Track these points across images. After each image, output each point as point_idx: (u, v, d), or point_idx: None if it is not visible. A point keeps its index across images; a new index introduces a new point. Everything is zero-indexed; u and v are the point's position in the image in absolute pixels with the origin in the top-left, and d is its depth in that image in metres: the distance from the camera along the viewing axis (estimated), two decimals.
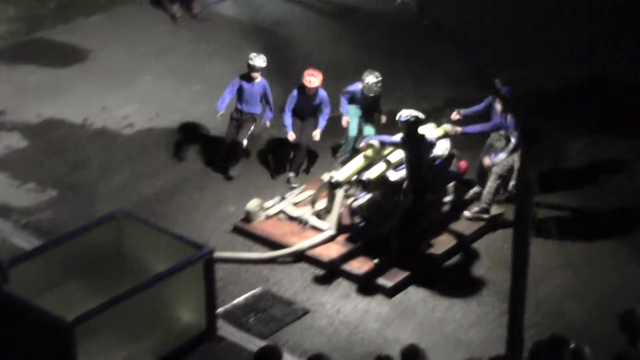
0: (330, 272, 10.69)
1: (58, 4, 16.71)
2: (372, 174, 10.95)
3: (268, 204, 11.53)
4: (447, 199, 11.51)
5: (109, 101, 14.17)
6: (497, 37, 15.91)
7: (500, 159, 11.21)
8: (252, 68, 12.20)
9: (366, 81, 11.94)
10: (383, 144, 11.01)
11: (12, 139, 13.33)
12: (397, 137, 10.82)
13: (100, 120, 13.83)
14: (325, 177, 11.16)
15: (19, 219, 11.63)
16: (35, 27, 16.11)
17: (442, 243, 11.12)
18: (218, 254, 10.31)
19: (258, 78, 12.29)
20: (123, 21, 16.47)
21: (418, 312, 10.25)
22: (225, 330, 9.83)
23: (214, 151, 12.88)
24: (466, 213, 11.45)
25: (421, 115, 10.65)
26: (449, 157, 11.14)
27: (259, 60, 12.21)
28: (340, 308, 10.28)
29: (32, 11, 16.47)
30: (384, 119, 12.34)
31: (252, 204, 11.45)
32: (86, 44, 15.89)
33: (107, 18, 16.55)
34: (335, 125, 12.46)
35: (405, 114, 10.56)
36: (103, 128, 13.68)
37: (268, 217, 11.41)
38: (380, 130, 12.15)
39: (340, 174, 11.06)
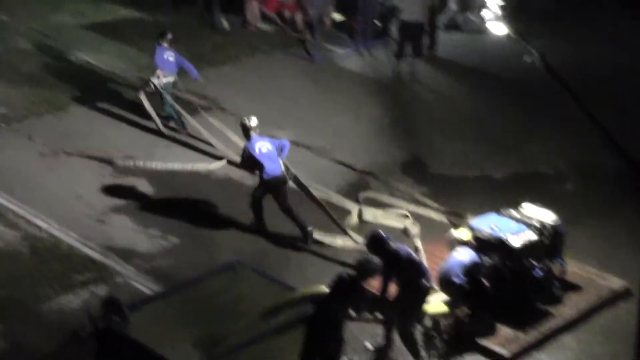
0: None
1: None
2: None
3: None
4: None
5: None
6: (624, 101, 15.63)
7: None
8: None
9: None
10: None
11: (139, 184, 13.64)
12: None
13: (224, 169, 14.01)
14: None
15: (141, 264, 11.86)
16: None
17: (561, 315, 10.85)
18: None
19: None
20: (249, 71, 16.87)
21: None
22: None
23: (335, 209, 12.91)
24: None
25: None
26: None
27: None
28: None
29: None
30: None
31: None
32: (214, 92, 16.27)
33: (235, 68, 16.95)
34: None
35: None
36: (226, 176, 13.88)
37: None
38: None
39: None
